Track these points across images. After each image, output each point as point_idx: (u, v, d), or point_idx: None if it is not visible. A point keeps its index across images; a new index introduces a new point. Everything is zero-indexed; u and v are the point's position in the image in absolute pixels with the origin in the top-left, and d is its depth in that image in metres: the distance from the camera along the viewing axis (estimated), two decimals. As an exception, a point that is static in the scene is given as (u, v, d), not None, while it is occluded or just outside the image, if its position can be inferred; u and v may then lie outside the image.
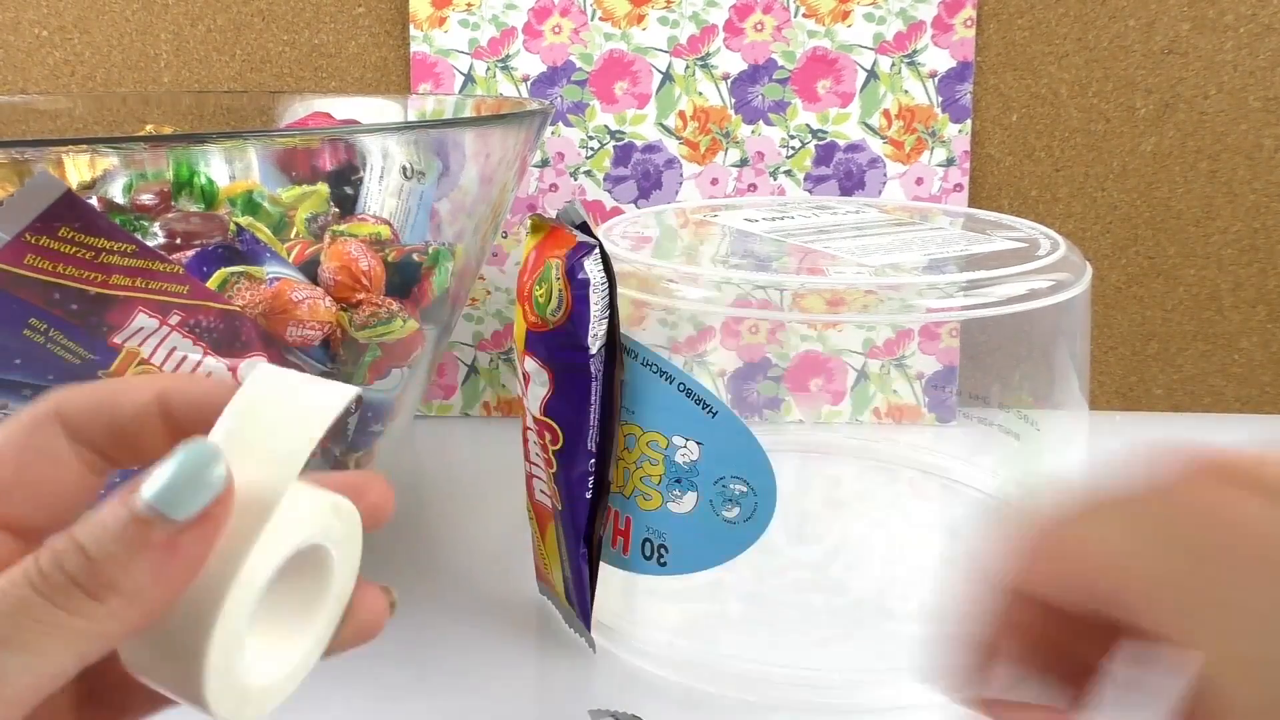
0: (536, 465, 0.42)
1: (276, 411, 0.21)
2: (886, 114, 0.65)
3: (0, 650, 0.18)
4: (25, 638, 0.19)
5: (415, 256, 0.47)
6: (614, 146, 0.66)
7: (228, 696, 0.21)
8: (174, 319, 0.38)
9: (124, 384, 0.23)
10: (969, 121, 0.65)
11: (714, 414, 0.40)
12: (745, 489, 0.40)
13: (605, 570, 0.42)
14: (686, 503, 0.41)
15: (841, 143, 0.66)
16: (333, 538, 0.23)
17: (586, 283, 0.38)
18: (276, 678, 0.23)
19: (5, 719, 0.18)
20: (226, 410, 0.21)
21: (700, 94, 0.65)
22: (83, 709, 0.23)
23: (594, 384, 0.39)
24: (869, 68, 0.65)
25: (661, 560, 0.41)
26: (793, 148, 0.66)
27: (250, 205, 0.47)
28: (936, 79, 0.65)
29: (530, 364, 0.41)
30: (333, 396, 0.22)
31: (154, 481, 0.20)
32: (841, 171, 0.66)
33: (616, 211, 0.66)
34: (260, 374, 0.22)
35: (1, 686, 0.18)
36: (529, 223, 0.43)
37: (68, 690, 0.21)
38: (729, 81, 0.65)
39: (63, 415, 0.23)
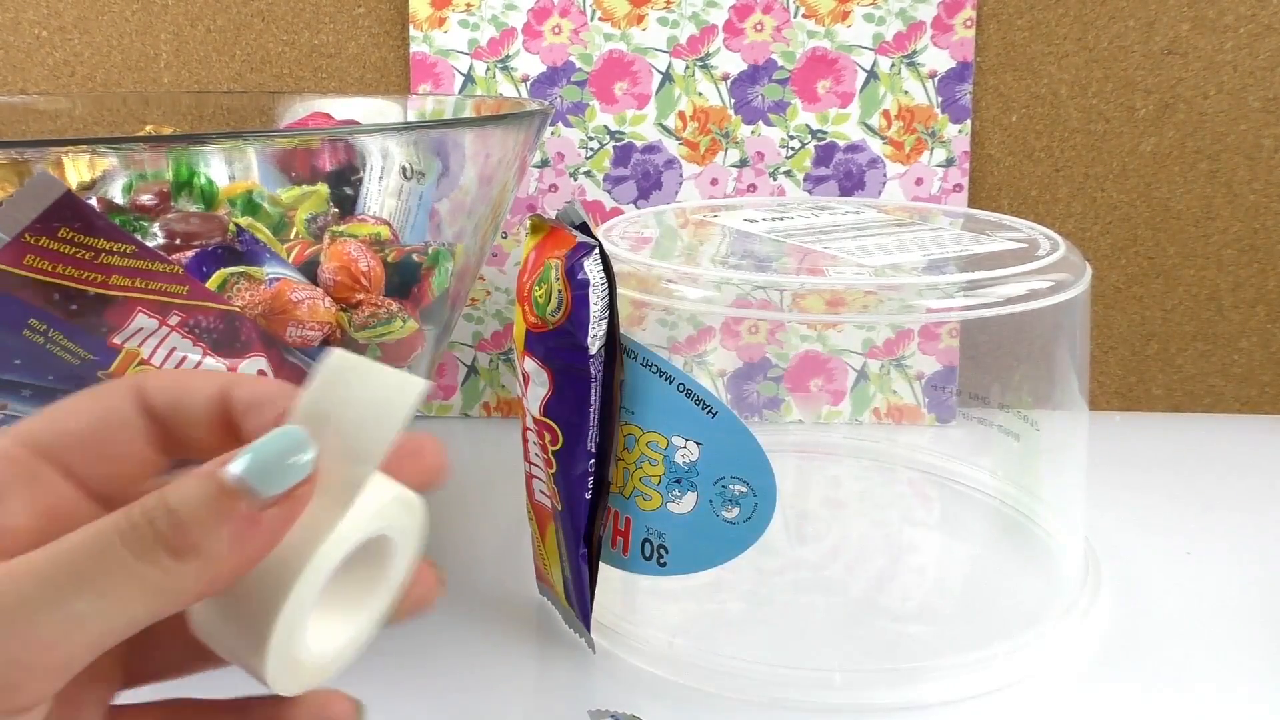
0: (536, 466, 0.42)
1: (357, 403, 0.22)
2: (886, 114, 0.65)
3: (82, 593, 0.19)
4: (106, 584, 0.19)
5: (415, 257, 0.47)
6: (614, 147, 0.66)
7: (284, 670, 0.22)
8: (174, 319, 0.38)
9: (197, 375, 0.24)
10: (969, 122, 0.65)
11: (714, 414, 0.40)
12: (745, 489, 0.40)
13: (605, 570, 0.42)
14: (686, 503, 0.41)
15: (841, 143, 0.66)
16: (397, 529, 0.24)
17: (586, 283, 0.38)
18: (329, 654, 0.24)
19: (75, 658, 0.19)
20: (306, 396, 0.22)
21: (700, 94, 0.65)
22: (129, 663, 0.25)
23: (594, 384, 0.39)
24: (869, 68, 0.65)
25: (661, 560, 0.41)
26: (792, 148, 0.66)
27: (250, 206, 0.47)
28: (936, 79, 0.65)
29: (530, 364, 0.41)
30: (408, 389, 0.22)
31: (245, 457, 0.21)
32: (841, 172, 0.66)
33: (616, 212, 0.66)
34: (336, 363, 0.22)
35: (78, 627, 0.19)
36: (529, 223, 0.43)
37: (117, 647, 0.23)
38: (729, 82, 0.65)
39: (142, 391, 0.24)
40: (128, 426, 0.24)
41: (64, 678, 0.20)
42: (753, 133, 0.66)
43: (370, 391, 0.22)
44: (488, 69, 0.65)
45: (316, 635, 0.23)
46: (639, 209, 0.66)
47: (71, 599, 0.19)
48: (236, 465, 0.21)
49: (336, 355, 0.22)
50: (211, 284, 0.41)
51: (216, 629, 0.23)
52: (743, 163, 0.66)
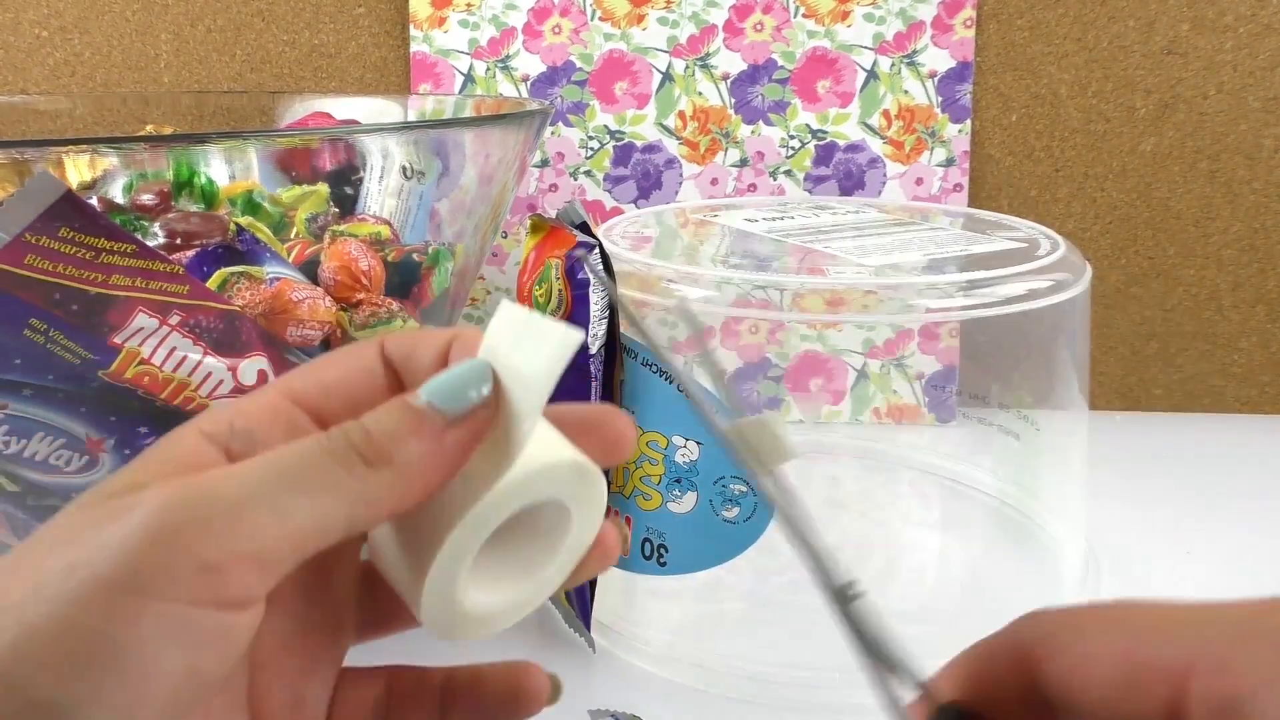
0: (536, 465, 0.42)
1: (525, 345, 0.23)
2: (886, 114, 0.65)
3: (289, 492, 0.21)
4: (309, 486, 0.21)
5: (415, 256, 0.47)
6: (614, 146, 0.66)
7: (440, 612, 0.24)
8: (174, 319, 0.38)
9: (429, 330, 0.27)
10: (969, 121, 0.65)
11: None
12: (745, 489, 0.40)
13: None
14: (686, 503, 0.41)
15: (841, 143, 0.66)
16: (573, 497, 0.25)
17: (586, 283, 0.38)
18: (491, 607, 0.25)
19: (280, 554, 0.21)
20: (483, 343, 0.24)
21: (700, 94, 0.65)
22: (360, 618, 0.27)
23: (594, 384, 0.39)
24: (869, 68, 0.65)
25: (661, 560, 0.41)
26: (792, 148, 0.66)
27: (250, 205, 0.47)
28: (936, 79, 0.65)
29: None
30: (568, 336, 0.23)
31: (433, 381, 0.23)
32: (841, 171, 0.66)
33: (616, 211, 0.66)
34: (507, 313, 0.24)
35: (285, 521, 0.21)
36: (529, 223, 0.43)
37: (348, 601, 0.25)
38: (729, 81, 0.65)
39: (384, 345, 0.26)
40: (372, 376, 0.26)
41: (271, 574, 0.21)
42: (753, 132, 0.66)
43: (534, 342, 0.23)
44: (488, 69, 0.65)
45: (479, 584, 0.24)
46: (639, 209, 0.66)
47: (277, 494, 0.21)
48: (425, 388, 0.23)
49: (507, 305, 0.24)
50: (212, 283, 0.41)
51: (388, 556, 0.24)
52: (743, 162, 0.66)
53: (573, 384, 0.39)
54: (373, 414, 0.23)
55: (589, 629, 0.43)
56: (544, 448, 0.24)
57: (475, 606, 0.24)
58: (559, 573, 0.26)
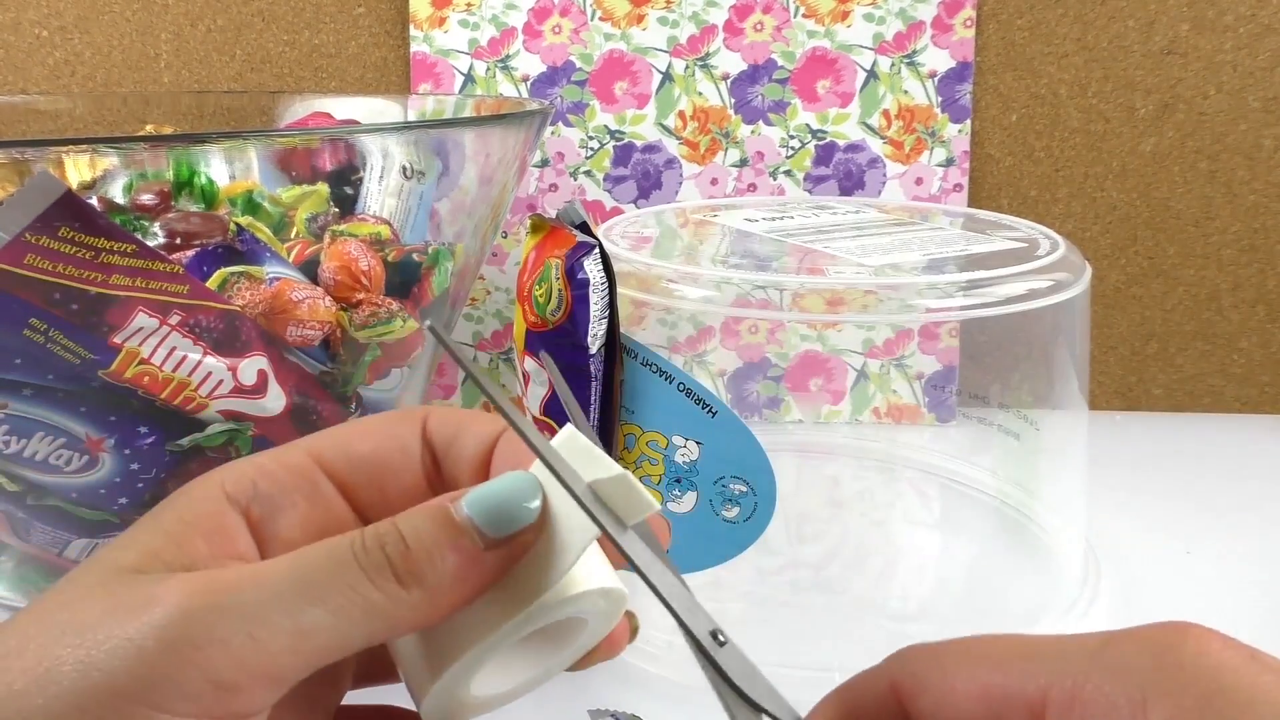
0: (536, 465, 0.42)
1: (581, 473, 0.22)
2: (886, 114, 0.65)
3: (314, 606, 0.20)
4: (337, 601, 0.20)
5: (415, 256, 0.47)
6: (614, 146, 0.66)
7: (439, 706, 0.23)
8: (174, 319, 0.38)
9: (478, 415, 0.25)
10: (969, 121, 0.65)
11: (714, 414, 0.40)
12: (745, 489, 0.40)
13: (605, 570, 0.42)
14: (686, 502, 0.41)
15: (841, 143, 0.66)
16: (594, 613, 0.24)
17: (586, 282, 0.38)
18: (490, 696, 0.24)
19: (295, 670, 0.20)
20: (536, 461, 0.22)
21: (700, 94, 0.65)
22: (360, 664, 0.26)
23: (594, 384, 0.39)
24: (869, 68, 0.65)
25: (661, 560, 0.41)
26: (792, 148, 0.66)
27: (250, 205, 0.47)
28: (936, 79, 0.65)
29: (530, 364, 0.41)
30: (629, 484, 0.22)
31: (478, 496, 0.22)
32: (841, 171, 0.66)
33: (616, 211, 0.66)
34: (568, 434, 0.23)
35: (304, 639, 0.20)
36: (529, 223, 0.43)
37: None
38: (729, 81, 0.65)
39: (426, 421, 0.25)
40: (408, 455, 0.25)
41: (281, 689, 0.20)
42: (753, 133, 0.66)
43: (590, 470, 0.22)
44: (488, 69, 0.65)
45: (483, 681, 0.24)
46: (639, 209, 0.66)
47: (304, 610, 0.20)
48: (469, 502, 0.22)
49: (570, 430, 0.23)
50: (212, 283, 0.41)
51: (401, 648, 0.24)
52: (743, 162, 0.66)
53: (573, 384, 0.39)
54: (409, 521, 0.21)
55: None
56: (582, 571, 0.23)
57: (478, 697, 0.24)
58: (565, 663, 0.26)
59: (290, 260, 0.45)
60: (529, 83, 0.65)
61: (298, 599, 0.20)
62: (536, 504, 0.22)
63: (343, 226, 0.47)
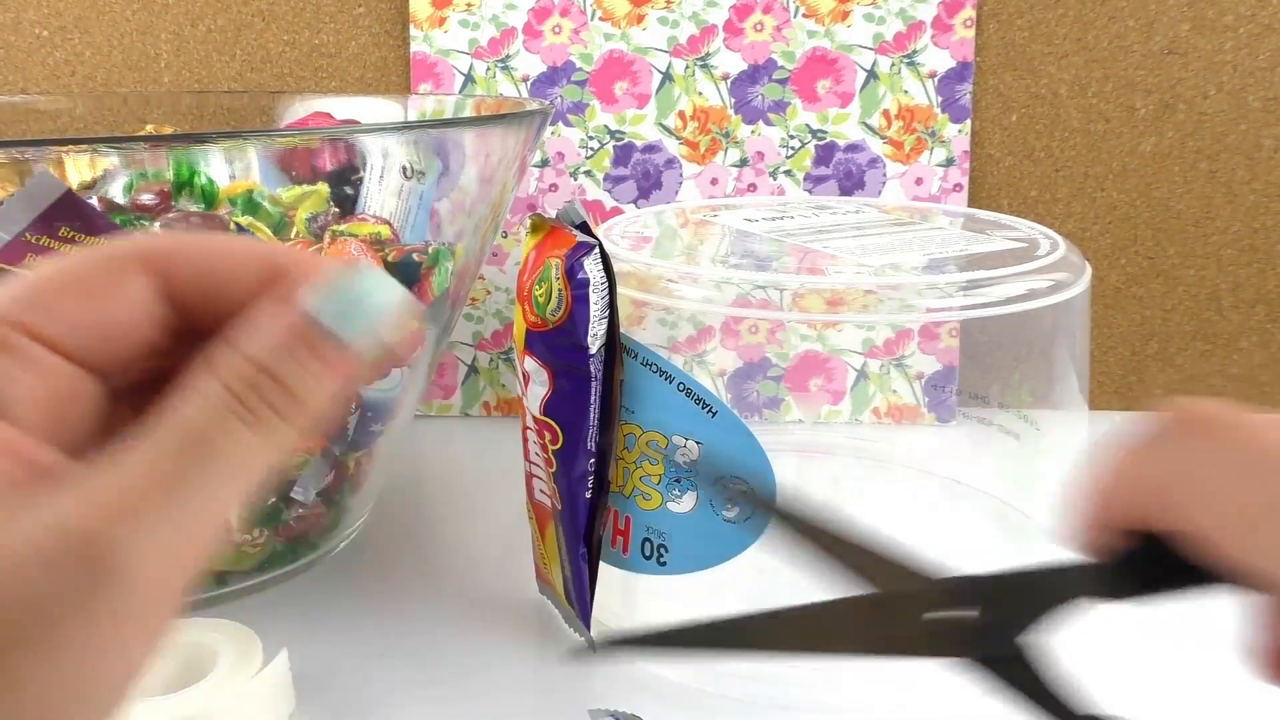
0: (536, 465, 0.42)
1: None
2: (886, 114, 0.65)
3: (215, 478, 0.19)
4: (229, 459, 0.19)
5: (415, 256, 0.47)
6: (614, 146, 0.66)
7: None
8: (174, 319, 0.38)
9: (232, 245, 0.22)
10: (969, 121, 0.65)
11: (714, 414, 0.40)
12: (745, 489, 0.40)
13: (605, 570, 0.42)
14: (686, 502, 0.41)
15: (841, 143, 0.66)
16: None
17: (586, 282, 0.38)
18: None
19: (211, 542, 0.19)
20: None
21: (700, 94, 0.65)
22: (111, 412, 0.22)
23: (594, 384, 0.39)
24: (869, 68, 0.65)
25: (661, 560, 0.41)
26: (792, 148, 0.66)
27: (250, 205, 0.47)
28: (936, 79, 0.65)
29: (530, 364, 0.41)
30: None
31: (325, 300, 0.20)
32: (841, 171, 0.66)
33: (616, 211, 0.66)
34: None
35: (211, 502, 0.19)
36: (529, 223, 0.43)
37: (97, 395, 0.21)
38: (729, 81, 0.65)
39: (158, 268, 0.21)
40: (139, 311, 0.21)
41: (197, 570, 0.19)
42: (753, 133, 0.66)
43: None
44: (488, 69, 0.65)
45: None
46: (639, 209, 0.66)
47: (212, 486, 0.19)
48: (317, 308, 0.20)
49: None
50: (212, 283, 0.41)
51: None
52: (743, 162, 0.66)
53: (573, 383, 0.39)
54: (262, 349, 0.19)
55: (589, 629, 0.43)
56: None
57: None
58: None
59: (290, 260, 0.44)
60: (529, 83, 0.65)
61: (200, 479, 0.19)
62: (404, 309, 0.20)
63: (343, 226, 0.47)
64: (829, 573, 0.24)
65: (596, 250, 0.39)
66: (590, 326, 0.38)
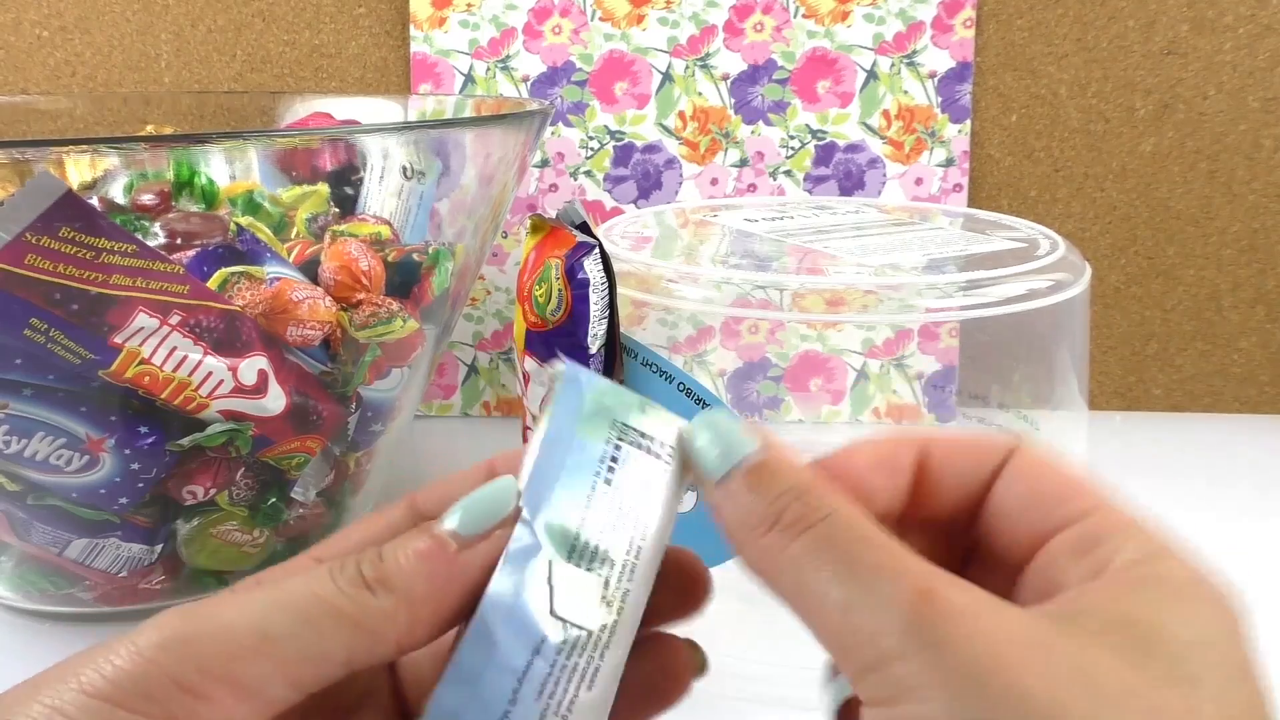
0: (536, 465, 0.42)
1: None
2: (886, 114, 0.65)
3: (282, 619, 0.20)
4: (304, 608, 0.20)
5: (415, 256, 0.47)
6: (614, 146, 0.66)
7: None
8: (174, 319, 0.38)
9: (463, 473, 0.25)
10: (968, 122, 0.65)
11: (714, 414, 0.40)
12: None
13: (605, 570, 0.42)
14: (686, 502, 0.41)
15: (841, 143, 0.66)
16: None
17: (586, 282, 0.38)
18: None
19: (270, 682, 0.20)
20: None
21: (700, 94, 0.65)
22: None
23: (594, 384, 0.39)
24: (869, 68, 0.65)
25: (661, 560, 0.41)
26: (792, 148, 0.66)
27: (251, 205, 0.47)
28: (936, 79, 0.65)
29: (530, 364, 0.41)
30: None
31: (458, 504, 0.22)
32: (841, 172, 0.66)
33: (616, 211, 0.66)
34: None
35: (273, 650, 0.20)
36: (529, 223, 0.43)
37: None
38: (729, 82, 0.65)
39: (415, 498, 0.25)
40: (397, 531, 0.23)
41: (259, 703, 0.20)
42: (753, 133, 0.66)
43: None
44: (488, 69, 0.65)
45: None
46: (639, 209, 0.66)
47: (269, 621, 0.20)
48: (448, 513, 0.22)
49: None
50: (212, 283, 0.41)
51: None
52: (743, 163, 0.66)
53: (573, 384, 0.39)
54: (394, 540, 0.22)
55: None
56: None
57: None
58: None
59: (290, 260, 0.45)
60: (529, 83, 0.65)
61: (266, 612, 0.20)
62: (511, 503, 0.22)
63: (343, 227, 0.47)
64: None
65: (597, 250, 0.39)
66: (590, 326, 0.39)
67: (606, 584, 0.22)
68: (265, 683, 0.20)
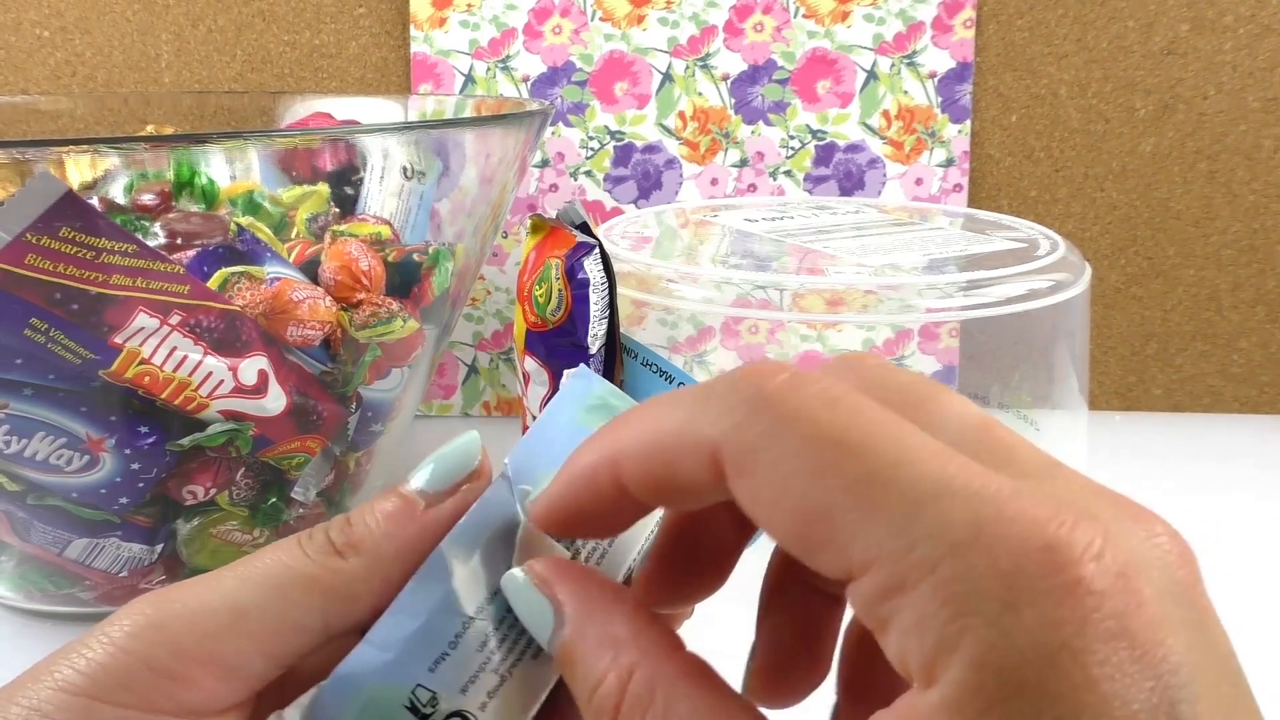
0: (536, 465, 0.42)
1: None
2: (886, 114, 0.65)
3: (252, 584, 0.20)
4: (275, 578, 0.20)
5: (415, 256, 0.47)
6: (614, 147, 0.66)
7: None
8: (174, 319, 0.38)
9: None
10: (968, 122, 0.65)
11: (714, 414, 0.40)
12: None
13: (605, 570, 0.42)
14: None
15: (841, 143, 0.66)
16: None
17: (586, 282, 0.38)
18: None
19: (248, 657, 0.20)
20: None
21: (700, 94, 0.65)
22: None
23: (594, 384, 0.39)
24: (869, 68, 0.65)
25: (661, 560, 0.41)
26: (792, 148, 0.66)
27: (251, 205, 0.47)
28: (936, 79, 0.65)
29: (530, 364, 0.41)
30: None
31: (422, 466, 0.22)
32: (841, 172, 0.66)
33: (616, 211, 0.67)
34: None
35: (244, 617, 0.20)
36: (529, 223, 0.43)
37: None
38: (729, 82, 0.65)
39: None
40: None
41: (240, 680, 0.20)
42: (753, 133, 0.66)
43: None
44: (488, 69, 0.65)
45: None
46: (639, 209, 0.66)
47: (239, 589, 0.20)
48: (417, 476, 0.22)
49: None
50: (212, 283, 0.41)
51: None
52: (743, 163, 0.66)
53: (573, 384, 0.39)
54: (362, 505, 0.22)
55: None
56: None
57: None
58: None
59: (291, 260, 0.45)
60: (529, 83, 0.65)
61: (235, 583, 0.20)
62: (477, 457, 0.22)
63: (343, 227, 0.47)
64: None
65: (597, 250, 0.39)
66: (590, 326, 0.39)
67: (576, 556, 0.23)
68: (243, 659, 0.20)
